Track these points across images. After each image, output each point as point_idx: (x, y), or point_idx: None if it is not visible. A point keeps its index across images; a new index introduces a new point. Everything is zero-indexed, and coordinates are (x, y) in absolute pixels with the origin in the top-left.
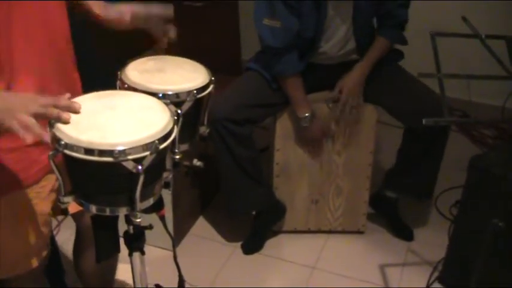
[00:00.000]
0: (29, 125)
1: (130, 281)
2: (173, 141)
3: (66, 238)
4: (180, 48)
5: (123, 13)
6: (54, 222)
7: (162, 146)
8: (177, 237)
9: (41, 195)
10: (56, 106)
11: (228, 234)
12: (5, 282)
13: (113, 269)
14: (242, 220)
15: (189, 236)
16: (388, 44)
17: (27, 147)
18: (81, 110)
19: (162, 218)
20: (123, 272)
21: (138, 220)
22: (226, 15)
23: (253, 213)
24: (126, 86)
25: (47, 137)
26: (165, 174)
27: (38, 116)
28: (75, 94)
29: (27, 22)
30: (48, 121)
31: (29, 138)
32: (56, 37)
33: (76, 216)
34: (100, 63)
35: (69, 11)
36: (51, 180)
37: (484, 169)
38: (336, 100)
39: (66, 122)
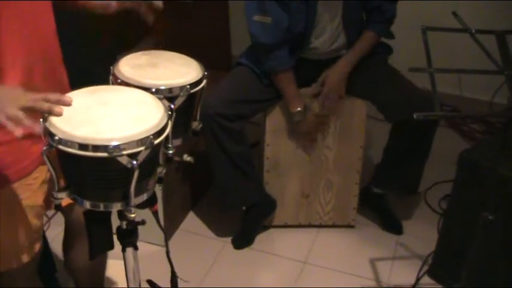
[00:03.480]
0: (18, 119)
1: (121, 277)
2: (167, 136)
3: (56, 234)
4: (171, 44)
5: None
6: (44, 219)
7: (156, 141)
8: (167, 233)
9: (33, 187)
10: (46, 100)
11: (219, 229)
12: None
13: (103, 264)
14: (232, 215)
15: (179, 231)
16: (375, 37)
17: (19, 140)
18: (74, 105)
19: (155, 213)
20: (114, 267)
21: (133, 215)
22: (217, 10)
23: (244, 208)
24: (119, 81)
25: (38, 128)
26: (158, 170)
27: (27, 110)
28: (62, 90)
29: (14, 19)
30: (42, 116)
31: (19, 131)
32: (43, 34)
33: (65, 210)
34: (93, 58)
35: (55, 8)
36: (43, 172)
37: (474, 163)
38: (318, 93)
39: (58, 115)
